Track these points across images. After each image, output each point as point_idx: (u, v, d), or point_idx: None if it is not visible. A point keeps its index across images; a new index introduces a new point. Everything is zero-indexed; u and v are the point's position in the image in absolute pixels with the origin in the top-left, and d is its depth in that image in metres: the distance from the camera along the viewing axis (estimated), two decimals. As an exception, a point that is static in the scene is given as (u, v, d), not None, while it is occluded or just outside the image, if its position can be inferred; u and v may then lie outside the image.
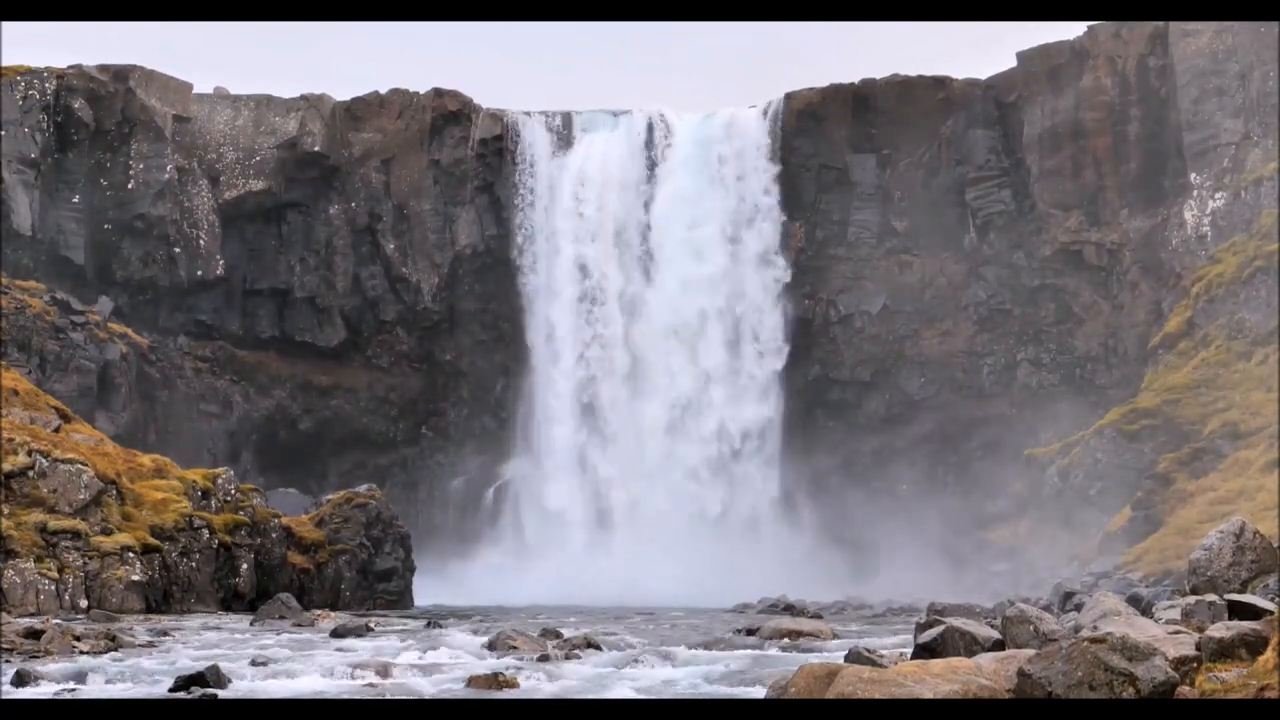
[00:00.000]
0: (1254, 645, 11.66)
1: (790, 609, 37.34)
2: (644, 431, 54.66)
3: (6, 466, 33.83)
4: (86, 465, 35.12)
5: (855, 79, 56.89)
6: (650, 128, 57.80)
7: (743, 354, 55.87)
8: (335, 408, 57.86)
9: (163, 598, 34.40)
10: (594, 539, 53.71)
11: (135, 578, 33.18)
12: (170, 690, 16.47)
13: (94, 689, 16.84)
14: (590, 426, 55.44)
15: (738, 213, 56.48)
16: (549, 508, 54.12)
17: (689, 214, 56.34)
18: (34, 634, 21.83)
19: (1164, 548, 38.37)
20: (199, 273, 55.44)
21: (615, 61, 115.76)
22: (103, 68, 54.18)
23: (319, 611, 33.36)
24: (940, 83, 56.08)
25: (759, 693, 14.93)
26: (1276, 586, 17.31)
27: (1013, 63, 55.29)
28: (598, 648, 21.91)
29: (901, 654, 16.77)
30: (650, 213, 56.70)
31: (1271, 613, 13.00)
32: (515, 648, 21.34)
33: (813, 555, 50.60)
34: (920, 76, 56.56)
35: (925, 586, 43.18)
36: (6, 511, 32.79)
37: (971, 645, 14.86)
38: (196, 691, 16.17)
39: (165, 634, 24.83)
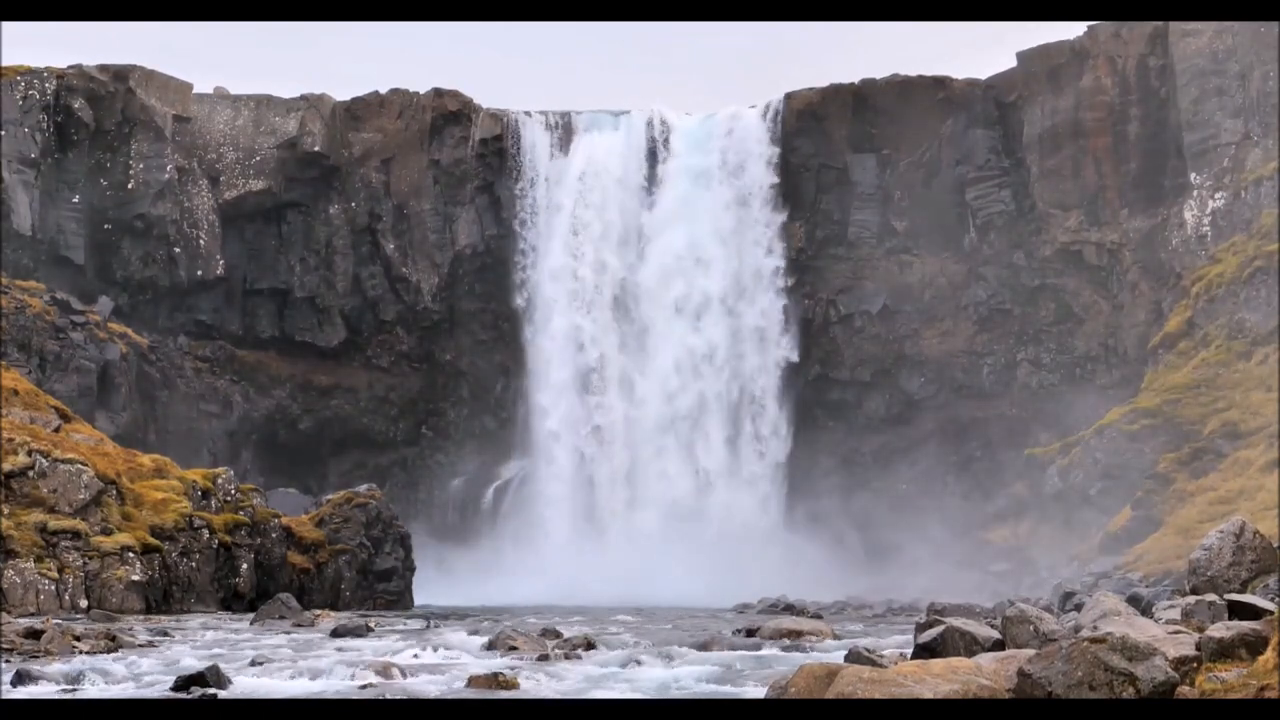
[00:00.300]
0: (1254, 645, 11.65)
1: (790, 609, 37.33)
2: (640, 536, 52.39)
3: (6, 466, 33.82)
4: (86, 465, 35.11)
5: (855, 79, 57.04)
6: (651, 152, 56.99)
7: (742, 453, 54.75)
8: (335, 408, 57.86)
9: (163, 598, 34.38)
10: (594, 539, 53.66)
11: (135, 578, 33.17)
12: (170, 690, 16.46)
13: (94, 689, 16.82)
14: (585, 530, 54.03)
15: (739, 279, 55.66)
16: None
17: (686, 279, 55.54)
18: (34, 634, 21.81)
19: (1164, 548, 38.40)
20: (199, 273, 55.45)
21: (615, 61, 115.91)
22: (103, 68, 54.19)
23: (319, 611, 33.34)
24: (940, 83, 56.10)
25: (759, 693, 14.92)
26: (1276, 586, 17.30)
27: (1013, 63, 55.34)
28: (597, 648, 21.89)
29: (901, 654, 16.76)
30: (644, 269, 55.92)
31: (1271, 613, 13.00)
32: (515, 648, 21.32)
33: (813, 555, 50.54)
34: (920, 76, 56.59)
35: (925, 586, 43.19)
36: (6, 511, 32.78)
37: (971, 645, 14.85)
38: (196, 691, 16.15)
39: (165, 634, 24.81)
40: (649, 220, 56.71)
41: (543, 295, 56.43)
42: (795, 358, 55.60)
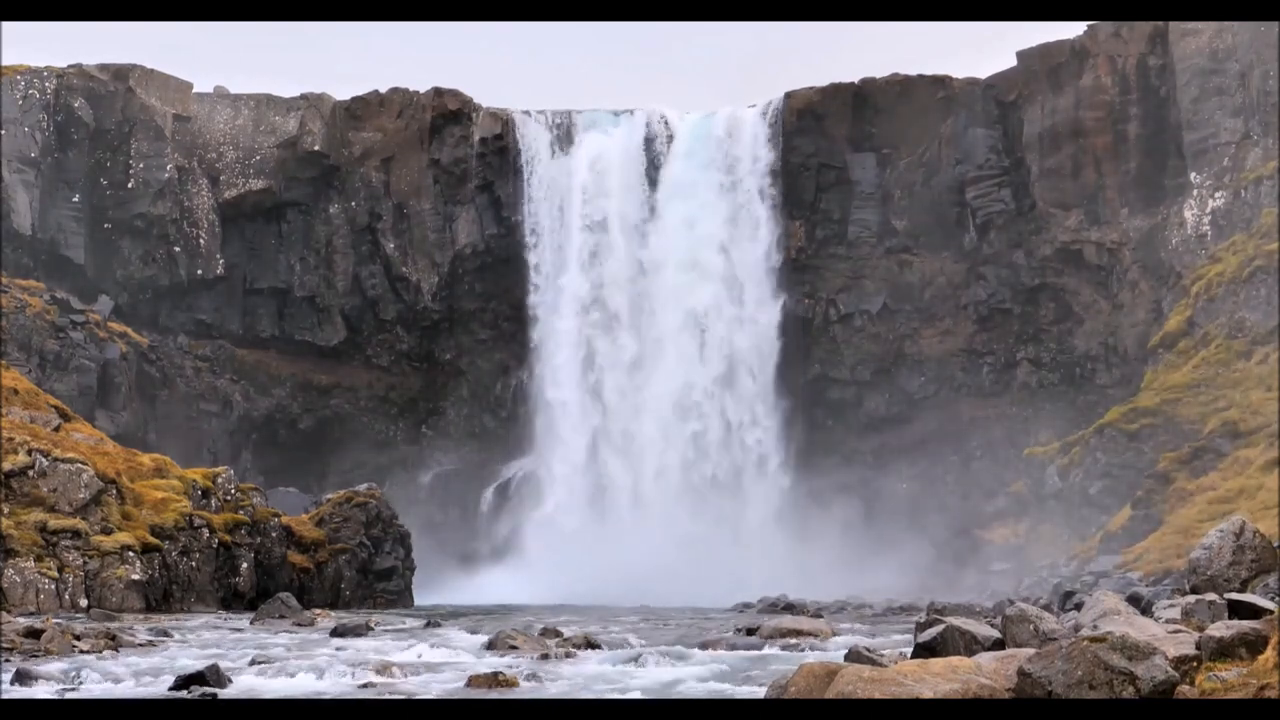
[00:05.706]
0: (1254, 644, 11.65)
1: (790, 608, 37.29)
2: (641, 536, 51.34)
3: (7, 466, 33.82)
4: (86, 464, 35.11)
5: (855, 78, 56.95)
6: (652, 151, 56.95)
7: (743, 453, 54.58)
8: (335, 407, 57.86)
9: (163, 597, 34.39)
10: (594, 538, 53.60)
11: (135, 577, 33.18)
12: (170, 690, 16.46)
13: (94, 689, 16.82)
14: (585, 529, 53.22)
15: (739, 278, 55.46)
16: None
17: (687, 278, 55.38)
18: (34, 633, 21.82)
19: (1164, 547, 38.38)
20: (199, 272, 55.46)
21: (615, 61, 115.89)
22: (103, 67, 54.21)
23: (319, 611, 33.40)
24: (940, 82, 56.07)
25: (759, 693, 14.91)
26: (1276, 585, 17.31)
27: (1013, 62, 55.30)
28: (598, 647, 21.90)
29: (901, 653, 16.76)
30: (645, 268, 55.74)
31: (1271, 612, 12.99)
32: (515, 647, 21.33)
33: (813, 555, 50.51)
34: (920, 76, 56.57)
35: (925, 586, 43.16)
36: (6, 511, 32.79)
37: (971, 644, 14.85)
38: (196, 691, 16.15)
39: (165, 633, 24.82)
40: (649, 219, 56.71)
41: (546, 294, 56.43)
42: (793, 356, 55.53)
